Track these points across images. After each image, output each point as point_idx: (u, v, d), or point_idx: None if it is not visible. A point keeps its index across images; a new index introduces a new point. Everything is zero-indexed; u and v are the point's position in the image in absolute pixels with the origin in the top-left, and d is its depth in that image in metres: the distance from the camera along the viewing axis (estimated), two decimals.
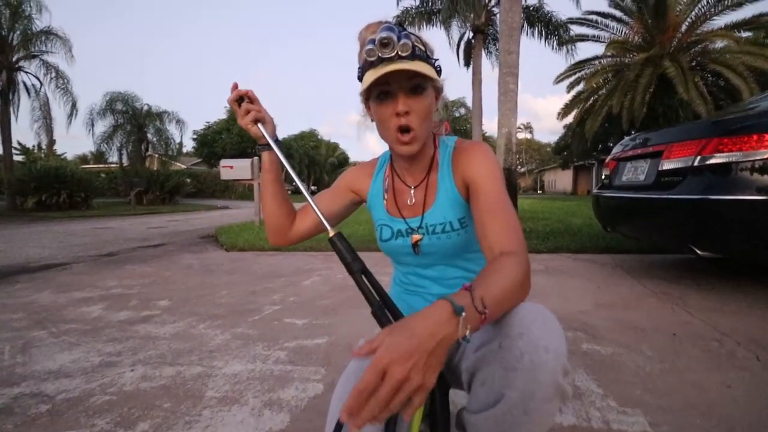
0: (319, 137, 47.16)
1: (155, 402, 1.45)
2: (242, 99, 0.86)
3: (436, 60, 0.81)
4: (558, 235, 4.92)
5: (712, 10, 14.49)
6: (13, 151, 16.43)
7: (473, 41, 13.54)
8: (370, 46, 0.73)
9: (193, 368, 1.72)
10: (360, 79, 0.79)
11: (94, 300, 2.87)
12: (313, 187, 45.14)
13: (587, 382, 1.53)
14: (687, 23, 15.14)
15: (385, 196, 0.94)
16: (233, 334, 2.13)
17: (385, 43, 0.72)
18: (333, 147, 50.50)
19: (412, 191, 0.91)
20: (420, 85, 0.77)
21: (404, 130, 0.78)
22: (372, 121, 0.85)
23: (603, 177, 3.50)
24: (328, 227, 0.76)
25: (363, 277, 0.68)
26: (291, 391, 1.52)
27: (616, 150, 3.38)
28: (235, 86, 0.86)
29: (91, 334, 2.18)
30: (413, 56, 0.74)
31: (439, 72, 0.82)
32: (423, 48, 0.77)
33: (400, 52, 0.73)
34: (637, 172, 2.93)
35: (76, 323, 2.36)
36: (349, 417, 0.46)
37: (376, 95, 0.78)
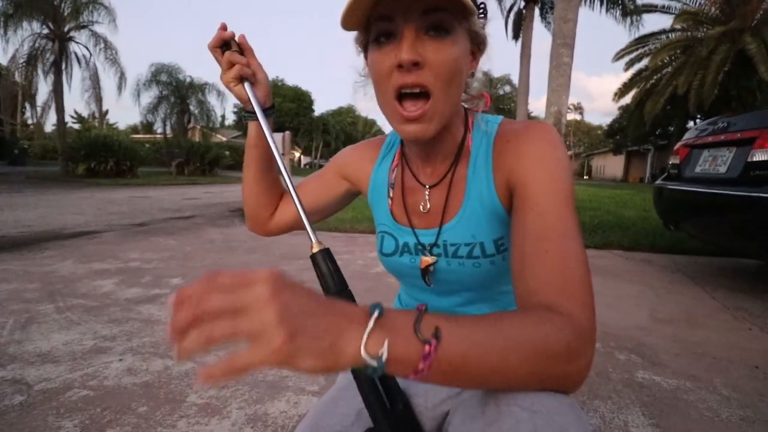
0: (357, 113, 46.82)
1: (131, 404, 1.30)
2: (228, 46, 0.61)
3: None
4: (608, 229, 4.42)
5: None
6: (70, 119, 17.33)
7: (524, 12, 12.53)
8: None
9: (182, 363, 1.56)
10: None
11: (111, 273, 2.82)
12: None
13: (644, 429, 1.21)
14: None
15: (391, 194, 0.65)
16: None
17: None
18: (370, 123, 50.14)
19: (427, 192, 0.61)
20: (443, 22, 0.46)
21: (410, 94, 0.47)
22: None
23: (670, 165, 2.99)
24: (313, 240, 0.48)
25: None
26: (281, 404, 1.31)
27: (690, 135, 2.86)
28: (223, 27, 0.61)
29: (95, 311, 2.09)
30: None
31: (482, 9, 0.51)
32: None
33: None
34: (716, 162, 2.44)
35: (84, 298, 2.29)
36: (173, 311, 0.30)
37: (375, 37, 0.49)
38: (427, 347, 0.32)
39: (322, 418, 0.55)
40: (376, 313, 0.33)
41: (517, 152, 0.53)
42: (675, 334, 1.91)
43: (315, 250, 0.47)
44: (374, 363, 0.31)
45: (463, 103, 0.61)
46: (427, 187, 0.61)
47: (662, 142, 22.15)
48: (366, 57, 0.55)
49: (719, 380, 1.50)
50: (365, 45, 0.53)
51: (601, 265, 3.27)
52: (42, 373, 1.48)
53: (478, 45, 0.53)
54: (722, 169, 2.36)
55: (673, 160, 2.96)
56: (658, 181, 3.05)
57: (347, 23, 0.47)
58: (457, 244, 0.59)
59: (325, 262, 0.46)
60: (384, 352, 0.32)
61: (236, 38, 0.61)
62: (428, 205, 0.61)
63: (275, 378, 1.46)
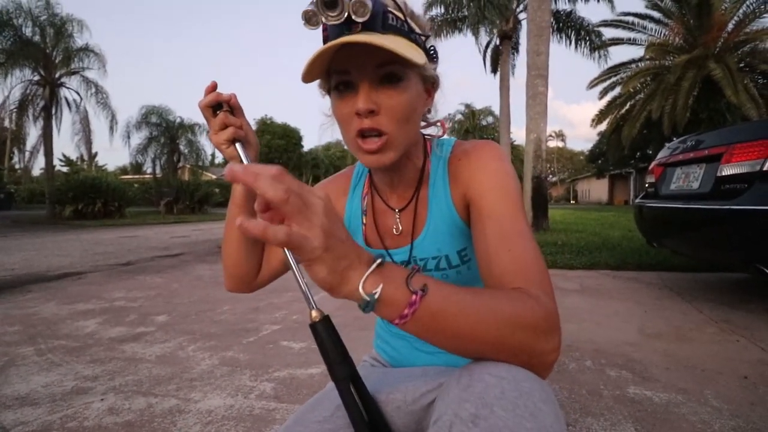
0: (345, 147, 47.60)
1: None
2: (220, 106, 0.59)
3: (425, 37, 0.56)
4: (594, 250, 4.48)
5: (762, 7, 13.51)
6: (58, 162, 17.33)
7: (500, 47, 13.20)
8: (309, 7, 0.48)
9: (166, 401, 1.51)
10: None
11: (95, 313, 2.75)
12: None
13: None
14: (734, 22, 14.18)
15: (364, 220, 0.70)
16: (222, 358, 1.92)
17: (328, 1, 0.47)
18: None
19: (398, 216, 0.67)
20: (394, 73, 0.52)
21: (368, 134, 0.54)
22: None
23: (647, 185, 3.10)
24: (313, 305, 0.46)
25: (351, 386, 0.46)
26: None
27: (663, 154, 2.99)
28: (213, 87, 0.59)
29: (77, 352, 2.03)
30: (384, 26, 0.50)
31: (432, 56, 0.57)
32: (401, 16, 0.53)
33: (355, 16, 0.47)
34: (689, 178, 2.54)
35: (66, 339, 2.23)
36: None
37: (335, 85, 0.55)
38: (413, 296, 0.38)
39: (305, 414, 0.58)
40: (377, 261, 0.40)
41: (469, 169, 0.60)
42: (664, 349, 1.92)
43: (316, 319, 0.45)
44: (367, 298, 0.38)
45: (422, 131, 0.67)
46: (397, 211, 0.67)
47: (643, 165, 22.80)
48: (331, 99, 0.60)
49: (710, 392, 1.50)
50: (328, 90, 0.59)
51: (589, 284, 3.29)
52: (19, 416, 1.42)
53: (432, 84, 0.60)
54: (695, 185, 2.45)
55: (650, 179, 3.07)
56: (638, 200, 3.15)
57: (307, 78, 0.52)
58: (425, 259, 0.64)
59: (326, 332, 0.45)
60: (377, 292, 0.38)
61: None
62: (400, 227, 0.66)
63: (262, 411, 1.43)
